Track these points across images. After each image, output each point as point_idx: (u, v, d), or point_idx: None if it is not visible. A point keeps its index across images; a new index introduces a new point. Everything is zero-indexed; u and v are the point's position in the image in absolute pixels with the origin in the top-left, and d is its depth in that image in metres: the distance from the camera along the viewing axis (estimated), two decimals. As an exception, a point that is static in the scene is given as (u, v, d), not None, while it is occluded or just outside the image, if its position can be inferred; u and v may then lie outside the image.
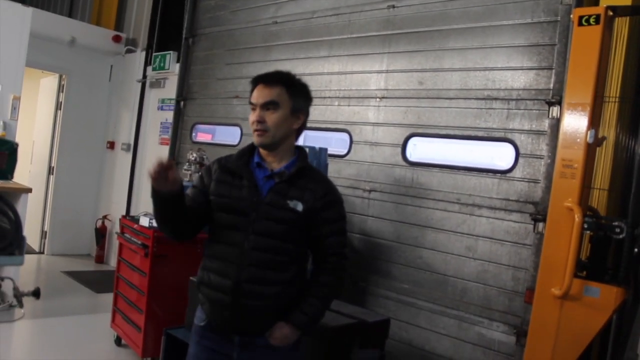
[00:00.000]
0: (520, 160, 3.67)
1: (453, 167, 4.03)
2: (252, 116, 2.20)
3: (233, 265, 2.15)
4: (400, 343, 4.12)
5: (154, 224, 4.19)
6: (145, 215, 4.41)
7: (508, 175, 3.72)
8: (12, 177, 5.46)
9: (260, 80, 2.24)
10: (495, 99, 3.82)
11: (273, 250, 2.16)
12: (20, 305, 4.79)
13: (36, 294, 5.16)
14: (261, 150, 2.27)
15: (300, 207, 2.17)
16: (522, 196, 3.64)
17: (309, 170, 2.30)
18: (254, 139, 2.22)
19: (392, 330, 4.12)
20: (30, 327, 5.07)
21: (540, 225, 3.47)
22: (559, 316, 2.84)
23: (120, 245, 4.66)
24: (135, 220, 4.46)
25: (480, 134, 3.90)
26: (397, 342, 4.12)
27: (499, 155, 3.83)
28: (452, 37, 4.09)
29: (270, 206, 2.17)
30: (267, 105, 2.17)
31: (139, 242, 4.28)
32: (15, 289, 4.91)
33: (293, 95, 2.22)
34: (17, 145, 5.54)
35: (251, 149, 2.31)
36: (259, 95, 2.20)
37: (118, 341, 4.64)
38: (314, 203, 2.19)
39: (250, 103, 2.23)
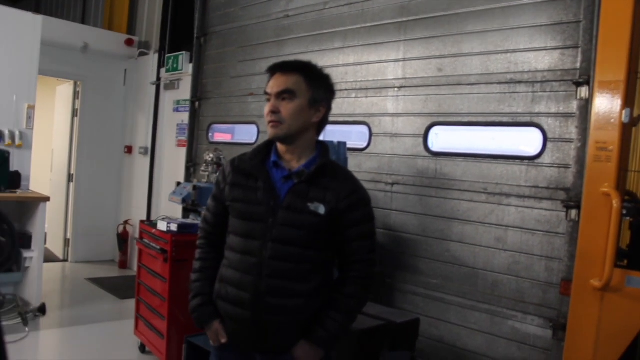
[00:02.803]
0: (549, 145, 3.49)
1: (478, 156, 3.86)
2: (267, 107, 2.04)
3: (251, 277, 1.98)
4: (431, 340, 3.98)
5: (172, 228, 4.12)
6: (163, 219, 4.33)
7: (536, 161, 3.54)
8: (5, 187, 5.27)
9: (277, 68, 2.07)
10: (519, 82, 3.64)
11: (294, 258, 1.98)
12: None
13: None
14: (279, 147, 2.09)
15: (322, 209, 1.98)
16: (552, 183, 3.46)
17: (332, 167, 2.09)
18: (268, 131, 2.04)
19: (422, 327, 3.97)
20: (56, 336, 5.04)
21: (573, 212, 3.30)
22: (599, 309, 2.66)
23: (140, 251, 4.58)
24: (153, 225, 4.38)
25: (504, 119, 3.72)
26: (427, 340, 3.98)
27: (526, 141, 3.67)
28: (471, 20, 3.92)
29: (289, 210, 1.99)
30: (283, 95, 2.00)
31: (158, 247, 4.20)
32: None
33: (312, 85, 2.04)
34: (8, 154, 5.36)
35: (267, 146, 2.13)
36: (275, 84, 2.03)
37: (142, 348, 4.56)
38: (337, 204, 1.99)
39: (266, 93, 2.06)
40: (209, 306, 2.11)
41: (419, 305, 4.08)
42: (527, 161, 3.59)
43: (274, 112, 2.01)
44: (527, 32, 3.63)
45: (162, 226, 4.21)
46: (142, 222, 4.69)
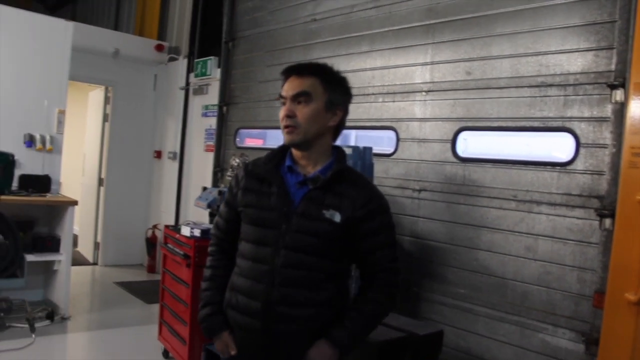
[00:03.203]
0: (581, 150, 3.34)
1: (507, 162, 3.73)
2: (282, 111, 1.98)
3: (262, 285, 1.91)
4: (458, 352, 3.86)
5: (195, 233, 4.09)
6: (187, 224, 4.31)
7: (568, 167, 3.40)
8: (9, 191, 5.20)
9: (292, 71, 2.01)
10: (550, 85, 3.51)
11: (307, 266, 1.90)
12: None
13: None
14: (294, 152, 2.02)
15: (337, 217, 1.90)
16: (585, 190, 3.32)
17: (349, 173, 2.02)
18: (284, 137, 1.98)
19: (449, 338, 3.87)
20: (81, 339, 5.07)
21: (607, 221, 3.14)
22: (635, 325, 2.52)
23: (164, 256, 4.57)
24: (177, 230, 4.36)
25: (535, 124, 3.59)
26: (454, 351, 3.86)
27: (558, 147, 3.53)
28: (500, 21, 3.80)
29: (304, 217, 1.92)
30: (298, 97, 1.94)
31: (182, 252, 4.18)
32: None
33: (329, 87, 1.97)
34: (12, 157, 5.29)
35: (282, 151, 2.07)
36: (290, 86, 1.97)
37: (165, 354, 4.54)
38: (353, 212, 1.92)
39: (281, 96, 1.99)
40: (218, 316, 2.06)
41: (446, 316, 3.97)
42: (558, 167, 3.45)
43: (290, 116, 1.95)
44: (559, 33, 3.50)
45: (185, 231, 4.19)
46: (166, 227, 4.68)
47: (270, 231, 1.94)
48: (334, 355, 1.94)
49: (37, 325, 4.98)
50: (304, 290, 1.91)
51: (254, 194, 2.01)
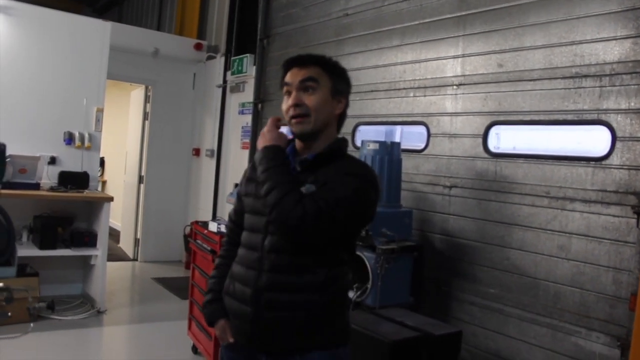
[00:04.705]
0: (618, 144, 3.16)
1: (540, 157, 3.58)
2: (288, 101, 1.91)
3: (253, 272, 1.89)
4: (487, 354, 3.73)
5: (222, 228, 4.09)
6: (215, 220, 4.31)
7: (604, 162, 3.23)
8: (0, 183, 5.06)
9: (293, 62, 1.96)
10: (586, 76, 3.34)
11: (290, 250, 1.83)
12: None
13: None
14: (297, 144, 1.98)
15: (313, 189, 1.81)
16: (621, 186, 3.14)
17: (347, 158, 1.95)
18: (292, 128, 1.92)
19: (478, 339, 3.77)
20: (114, 333, 5.15)
21: (645, 219, 2.97)
22: (666, 328, 2.36)
23: (194, 252, 4.59)
24: (205, 225, 4.37)
25: (569, 117, 3.42)
26: (483, 353, 3.74)
27: (593, 141, 3.35)
28: (533, 10, 3.65)
29: None
30: (305, 84, 1.88)
31: (208, 248, 4.18)
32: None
33: (332, 75, 1.94)
34: (3, 146, 5.09)
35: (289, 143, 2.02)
36: (295, 75, 1.91)
37: (194, 349, 4.56)
38: (326, 178, 1.82)
39: (285, 84, 1.93)
40: (218, 303, 2.05)
41: (476, 316, 3.84)
42: (593, 162, 3.28)
43: (298, 104, 1.88)
44: (595, 20, 3.32)
45: (212, 227, 4.20)
46: (195, 222, 4.71)
47: (261, 218, 1.91)
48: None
49: (75, 317, 5.18)
50: (291, 276, 1.85)
51: (254, 183, 1.97)
